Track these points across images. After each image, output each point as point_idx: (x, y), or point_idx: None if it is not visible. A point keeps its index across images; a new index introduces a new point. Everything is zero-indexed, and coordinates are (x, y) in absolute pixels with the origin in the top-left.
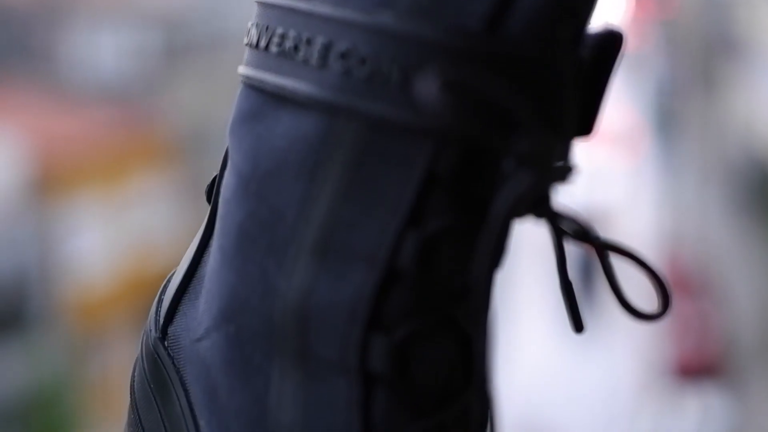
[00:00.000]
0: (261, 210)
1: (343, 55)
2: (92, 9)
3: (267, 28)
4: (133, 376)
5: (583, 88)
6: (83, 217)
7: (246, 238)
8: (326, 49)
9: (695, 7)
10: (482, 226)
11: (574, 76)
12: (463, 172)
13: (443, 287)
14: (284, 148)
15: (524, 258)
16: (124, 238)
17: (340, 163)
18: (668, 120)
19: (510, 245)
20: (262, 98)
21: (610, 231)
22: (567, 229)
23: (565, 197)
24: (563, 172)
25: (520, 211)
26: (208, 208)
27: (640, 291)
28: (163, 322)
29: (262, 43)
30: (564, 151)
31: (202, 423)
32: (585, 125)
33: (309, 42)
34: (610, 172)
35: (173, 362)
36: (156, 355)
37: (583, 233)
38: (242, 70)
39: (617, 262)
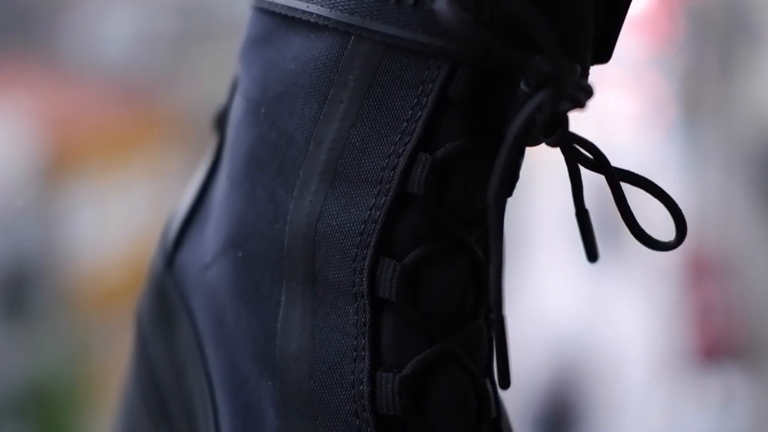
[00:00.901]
0: (271, 134)
1: None
2: None
3: None
4: (139, 307)
5: (603, 13)
6: (88, 199)
7: (255, 162)
8: None
9: None
10: (496, 150)
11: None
12: (477, 95)
13: (454, 212)
14: (295, 71)
15: (539, 188)
16: (130, 221)
17: (352, 85)
18: (692, 105)
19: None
20: (272, 22)
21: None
22: (581, 156)
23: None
24: (581, 96)
25: (535, 135)
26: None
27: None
28: (170, 252)
29: None
30: (582, 76)
31: (208, 351)
32: (603, 52)
33: None
34: (632, 143)
35: (180, 291)
36: (162, 285)
37: (598, 161)
38: None
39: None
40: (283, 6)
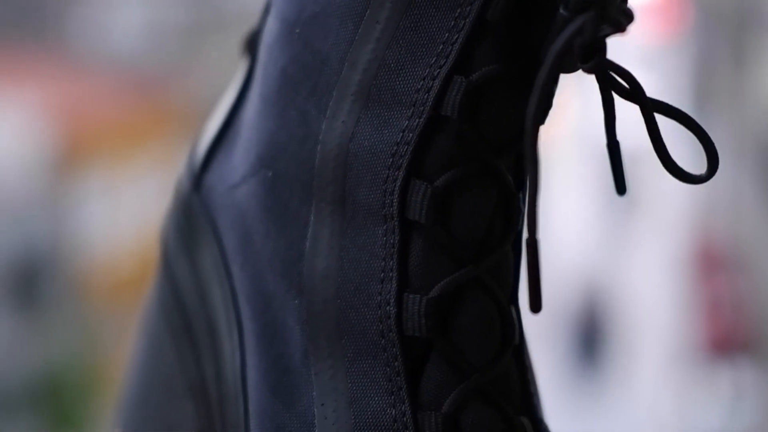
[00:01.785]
0: (305, 54)
1: None
2: None
3: None
4: (164, 228)
5: None
6: (99, 191)
7: (288, 83)
8: None
9: None
10: (532, 76)
11: None
12: (515, 20)
13: (486, 136)
14: None
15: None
16: (141, 212)
17: (389, 6)
18: (702, 96)
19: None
20: None
21: (638, 176)
22: (616, 85)
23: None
24: (622, 20)
25: (572, 61)
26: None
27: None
28: (197, 173)
29: None
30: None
31: (234, 270)
32: None
33: None
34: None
35: (206, 212)
36: (188, 206)
37: (633, 90)
38: None
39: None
40: None
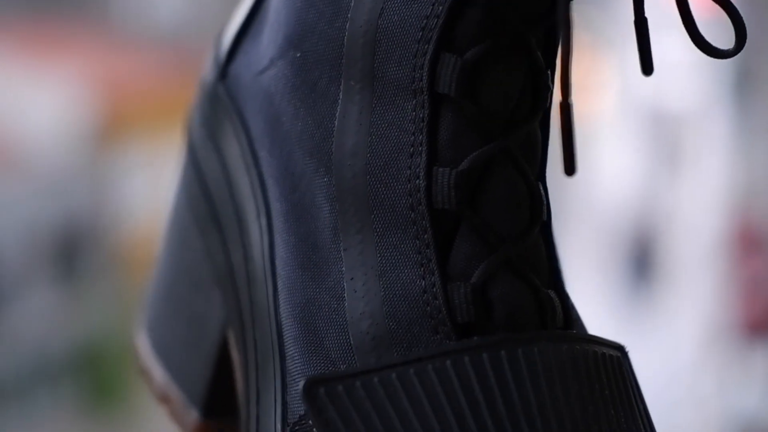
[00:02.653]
0: None
1: None
2: None
3: None
4: (189, 119)
5: None
6: (140, 163)
7: None
8: None
9: None
10: None
11: None
12: None
13: (517, 8)
14: None
15: None
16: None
17: None
18: (743, 75)
19: None
20: None
21: (681, 138)
22: None
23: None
24: None
25: None
26: None
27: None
28: (222, 63)
29: None
30: None
31: (262, 154)
32: None
33: None
34: (686, 94)
35: (233, 100)
36: (214, 95)
37: None
38: None
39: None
40: None
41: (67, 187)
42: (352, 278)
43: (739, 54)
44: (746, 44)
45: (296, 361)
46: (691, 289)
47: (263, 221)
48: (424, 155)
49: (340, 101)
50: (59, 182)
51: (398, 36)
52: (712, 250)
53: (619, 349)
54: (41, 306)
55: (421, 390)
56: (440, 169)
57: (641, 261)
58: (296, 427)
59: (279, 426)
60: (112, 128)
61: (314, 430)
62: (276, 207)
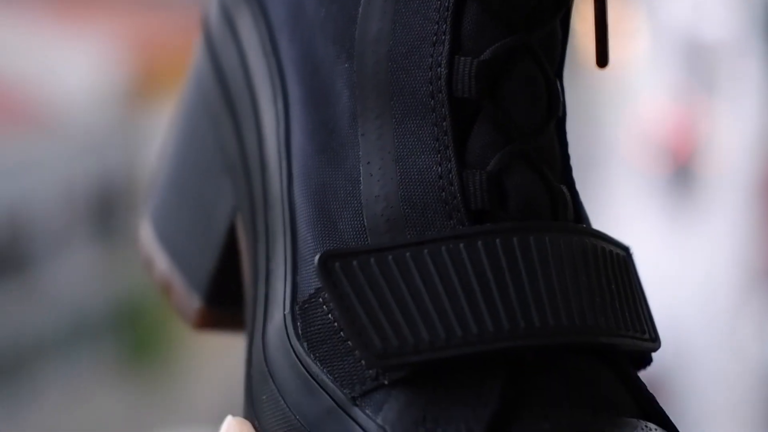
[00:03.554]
0: None
1: None
2: None
3: None
4: (206, 10)
5: None
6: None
7: None
8: None
9: None
10: None
11: None
12: None
13: None
14: None
15: None
16: None
17: None
18: None
19: None
20: None
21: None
22: None
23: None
24: None
25: None
26: None
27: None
28: None
29: None
30: None
31: (282, 42)
32: None
33: None
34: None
35: None
36: None
37: None
38: None
39: None
40: None
41: (101, 146)
42: (368, 162)
43: None
44: None
45: (309, 243)
46: (728, 229)
47: (280, 105)
48: (447, 44)
49: None
50: (93, 141)
51: None
52: (748, 189)
53: (625, 249)
54: (79, 264)
55: (434, 269)
56: (462, 59)
57: (680, 186)
58: (306, 305)
59: (288, 304)
60: (146, 86)
61: (324, 306)
62: (294, 93)
